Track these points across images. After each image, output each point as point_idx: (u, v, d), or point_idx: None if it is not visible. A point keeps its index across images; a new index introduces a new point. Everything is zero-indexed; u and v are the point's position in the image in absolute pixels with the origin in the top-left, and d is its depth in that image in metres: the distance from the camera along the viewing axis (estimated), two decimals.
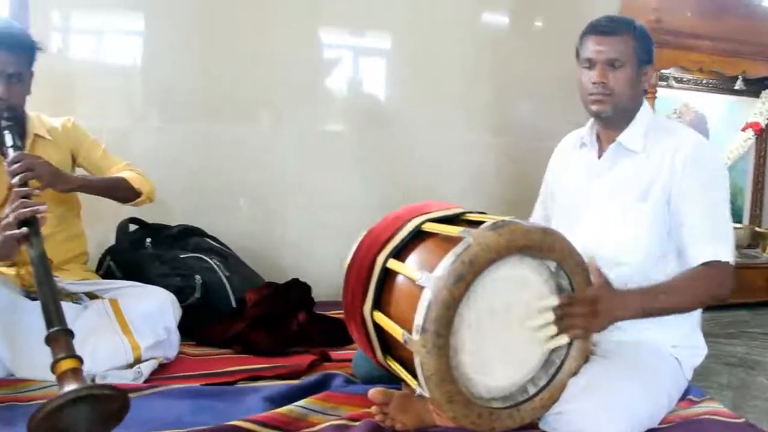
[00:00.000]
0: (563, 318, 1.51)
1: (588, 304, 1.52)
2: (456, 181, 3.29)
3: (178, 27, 2.91)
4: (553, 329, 1.51)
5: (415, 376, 1.47)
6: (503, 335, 1.51)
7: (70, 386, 1.33)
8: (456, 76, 3.26)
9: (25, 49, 2.05)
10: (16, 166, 1.89)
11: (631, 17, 1.87)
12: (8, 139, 1.98)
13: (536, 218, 2.19)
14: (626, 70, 1.78)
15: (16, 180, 1.87)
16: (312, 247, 3.11)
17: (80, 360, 1.42)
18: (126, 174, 2.24)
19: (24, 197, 1.82)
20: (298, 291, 2.46)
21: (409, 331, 1.40)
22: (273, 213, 3.09)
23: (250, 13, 2.96)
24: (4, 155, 2.03)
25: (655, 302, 1.61)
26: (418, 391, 1.47)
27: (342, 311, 2.55)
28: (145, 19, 2.92)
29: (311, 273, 2.70)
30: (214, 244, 2.66)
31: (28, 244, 1.74)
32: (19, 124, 2.08)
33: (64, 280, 2.09)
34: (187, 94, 2.92)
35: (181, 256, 2.46)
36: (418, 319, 1.37)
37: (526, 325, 1.52)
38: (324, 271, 2.84)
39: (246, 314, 2.30)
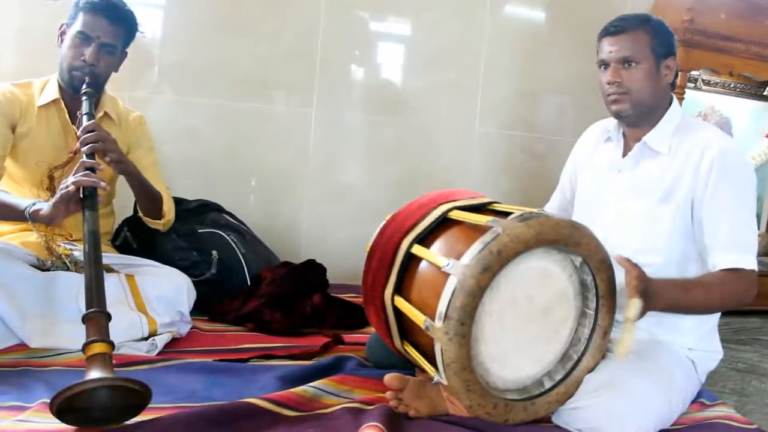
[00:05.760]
0: None
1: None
2: (472, 172, 3.30)
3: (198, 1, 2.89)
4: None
5: (432, 363, 1.47)
6: (523, 327, 1.51)
7: (99, 371, 1.34)
8: (479, 69, 3.24)
9: (125, 25, 2.07)
10: (90, 135, 1.87)
11: (647, 13, 1.83)
12: (85, 106, 1.97)
13: (552, 207, 2.18)
14: (642, 66, 1.75)
15: (86, 149, 1.85)
16: (327, 231, 3.11)
17: (112, 345, 1.43)
18: (163, 195, 2.22)
19: (88, 169, 1.80)
20: (313, 272, 2.45)
21: (432, 318, 1.39)
22: (290, 194, 3.08)
23: None
24: (75, 120, 2.03)
25: (685, 296, 1.59)
26: (436, 378, 1.46)
27: (356, 295, 2.62)
28: None
29: (325, 256, 2.68)
30: (232, 220, 2.64)
31: (84, 219, 1.72)
32: (96, 95, 2.07)
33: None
34: (207, 69, 2.90)
35: (199, 230, 2.44)
36: (442, 306, 1.36)
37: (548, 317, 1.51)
38: (338, 255, 2.86)
39: (260, 292, 2.29)
